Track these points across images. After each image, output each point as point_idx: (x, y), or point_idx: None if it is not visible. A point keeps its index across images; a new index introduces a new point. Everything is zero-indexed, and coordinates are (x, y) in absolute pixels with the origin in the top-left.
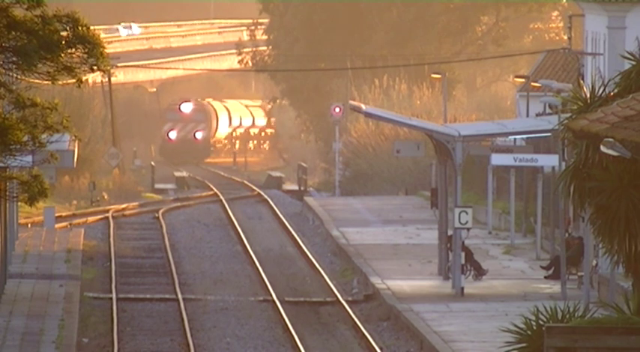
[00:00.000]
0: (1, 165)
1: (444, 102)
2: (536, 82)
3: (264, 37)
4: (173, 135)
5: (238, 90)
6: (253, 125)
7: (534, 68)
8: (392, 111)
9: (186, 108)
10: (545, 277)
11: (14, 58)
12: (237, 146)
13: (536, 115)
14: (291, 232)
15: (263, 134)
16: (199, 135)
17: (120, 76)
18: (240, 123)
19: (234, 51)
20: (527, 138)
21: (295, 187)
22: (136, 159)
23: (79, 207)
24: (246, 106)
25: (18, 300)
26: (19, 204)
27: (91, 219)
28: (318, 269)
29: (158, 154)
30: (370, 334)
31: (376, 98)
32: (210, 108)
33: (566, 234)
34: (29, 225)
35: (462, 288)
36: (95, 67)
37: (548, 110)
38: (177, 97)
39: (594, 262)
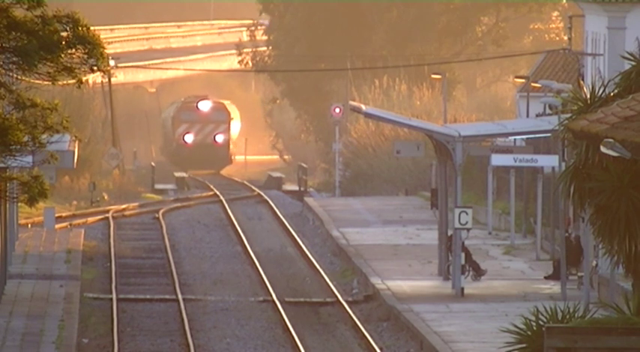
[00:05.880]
0: (2, 166)
1: (443, 103)
2: (536, 82)
3: (264, 37)
4: (189, 138)
5: (238, 91)
6: None
7: (534, 68)
8: (392, 111)
9: (205, 106)
10: (545, 277)
11: (14, 59)
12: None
13: (536, 116)
14: (291, 233)
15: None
16: (220, 138)
17: (120, 77)
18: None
19: (234, 51)
20: (527, 138)
21: (295, 188)
22: (136, 159)
23: (79, 207)
24: None
25: (18, 301)
26: (19, 204)
27: (91, 219)
28: (318, 270)
29: (170, 161)
30: (370, 334)
31: (376, 98)
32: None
33: (566, 234)
34: (29, 226)
35: (462, 289)
36: (95, 68)
37: (548, 110)
38: (187, 95)
39: (594, 262)
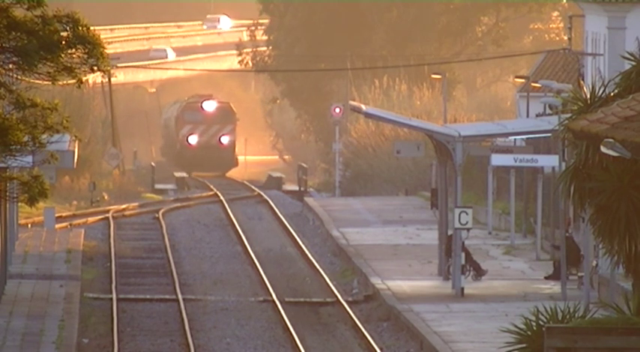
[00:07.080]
0: (2, 166)
1: (443, 103)
2: (536, 82)
3: (265, 37)
4: (193, 140)
5: (238, 91)
6: None
7: (534, 68)
8: (392, 111)
9: (210, 106)
10: (546, 277)
11: (14, 59)
12: None
13: (537, 116)
14: (291, 232)
15: None
16: (225, 139)
17: (120, 77)
18: None
19: (234, 51)
20: (528, 138)
21: (295, 188)
22: (136, 159)
23: (79, 207)
24: None
25: (18, 301)
26: (20, 204)
27: (91, 219)
28: (318, 270)
29: (173, 163)
30: (370, 334)
31: (376, 98)
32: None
33: (566, 234)
34: (29, 226)
35: (462, 289)
36: (95, 68)
37: (548, 110)
38: (190, 95)
39: (594, 262)
